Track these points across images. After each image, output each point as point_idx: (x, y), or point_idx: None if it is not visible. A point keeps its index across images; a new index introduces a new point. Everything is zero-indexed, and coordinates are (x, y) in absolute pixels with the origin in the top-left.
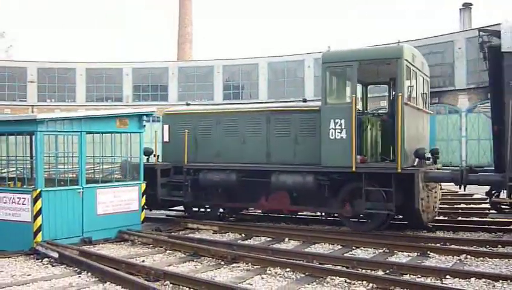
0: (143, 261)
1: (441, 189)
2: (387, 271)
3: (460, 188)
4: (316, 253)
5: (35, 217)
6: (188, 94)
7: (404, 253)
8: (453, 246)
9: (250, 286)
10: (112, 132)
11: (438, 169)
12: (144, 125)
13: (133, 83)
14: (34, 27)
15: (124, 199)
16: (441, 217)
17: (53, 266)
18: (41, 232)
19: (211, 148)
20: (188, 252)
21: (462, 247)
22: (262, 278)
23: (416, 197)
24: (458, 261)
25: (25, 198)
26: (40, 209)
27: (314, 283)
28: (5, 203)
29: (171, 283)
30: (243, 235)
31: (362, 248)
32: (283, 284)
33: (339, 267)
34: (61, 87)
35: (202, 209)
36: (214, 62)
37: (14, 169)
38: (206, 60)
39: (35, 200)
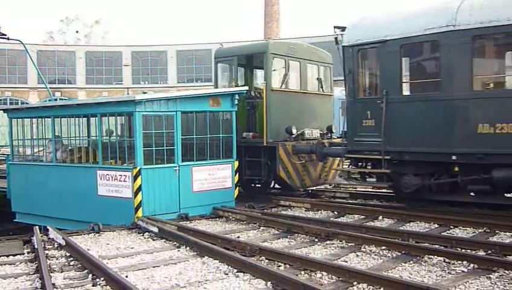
0: (238, 237)
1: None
2: (489, 251)
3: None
4: (412, 231)
5: (135, 194)
6: None
7: (507, 233)
8: None
9: (344, 263)
10: (205, 111)
11: (331, 143)
12: (236, 104)
13: None
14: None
15: (218, 177)
16: None
17: (153, 240)
18: (141, 208)
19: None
20: (281, 229)
21: None
22: (357, 255)
23: (277, 166)
24: None
25: (126, 175)
26: (140, 186)
27: (411, 262)
28: (108, 180)
29: (266, 259)
30: (336, 212)
31: (461, 227)
32: (379, 262)
33: (436, 246)
34: (154, 69)
35: None
36: (302, 40)
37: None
38: (294, 38)
39: (135, 177)
